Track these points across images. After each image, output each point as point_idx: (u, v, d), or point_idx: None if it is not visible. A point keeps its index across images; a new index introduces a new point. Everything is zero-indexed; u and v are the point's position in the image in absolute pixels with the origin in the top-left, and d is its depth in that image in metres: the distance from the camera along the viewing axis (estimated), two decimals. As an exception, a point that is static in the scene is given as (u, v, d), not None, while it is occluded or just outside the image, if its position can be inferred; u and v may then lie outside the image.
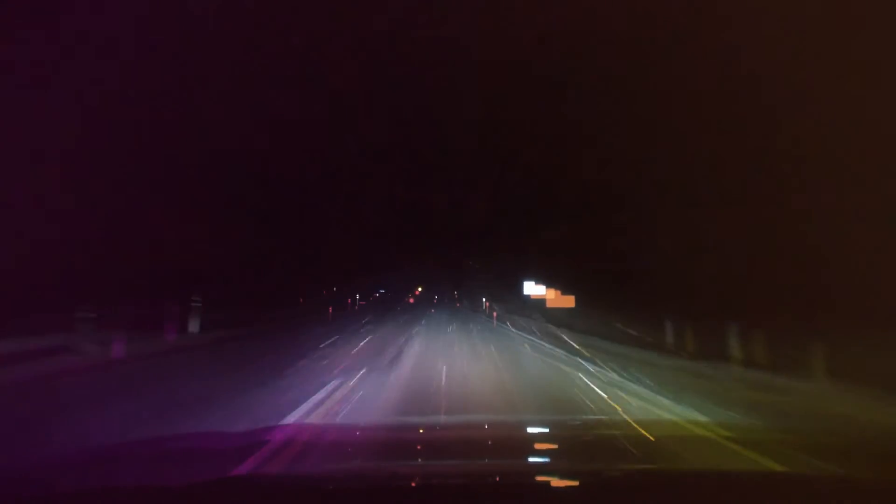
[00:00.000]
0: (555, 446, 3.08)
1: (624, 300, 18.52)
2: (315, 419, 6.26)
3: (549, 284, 27.25)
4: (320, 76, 23.02)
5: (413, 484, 2.10)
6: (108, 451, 3.04)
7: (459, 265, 68.76)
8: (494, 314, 31.85)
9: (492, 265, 50.62)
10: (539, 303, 28.24)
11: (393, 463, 2.58)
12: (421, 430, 3.64)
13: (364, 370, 9.99)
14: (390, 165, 39.73)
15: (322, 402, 7.18)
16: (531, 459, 2.78)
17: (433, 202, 54.13)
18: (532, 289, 30.46)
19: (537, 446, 3.15)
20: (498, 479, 2.19)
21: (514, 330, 21.60)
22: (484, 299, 44.97)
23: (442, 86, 24.71)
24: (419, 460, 2.74)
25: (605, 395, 7.93)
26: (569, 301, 24.32)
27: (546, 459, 2.80)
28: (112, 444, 3.78)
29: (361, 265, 66.80)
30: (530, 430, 3.70)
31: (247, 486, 2.01)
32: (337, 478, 2.22)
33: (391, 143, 33.62)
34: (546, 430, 3.61)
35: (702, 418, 5.66)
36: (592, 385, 8.89)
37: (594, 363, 11.65)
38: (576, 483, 2.09)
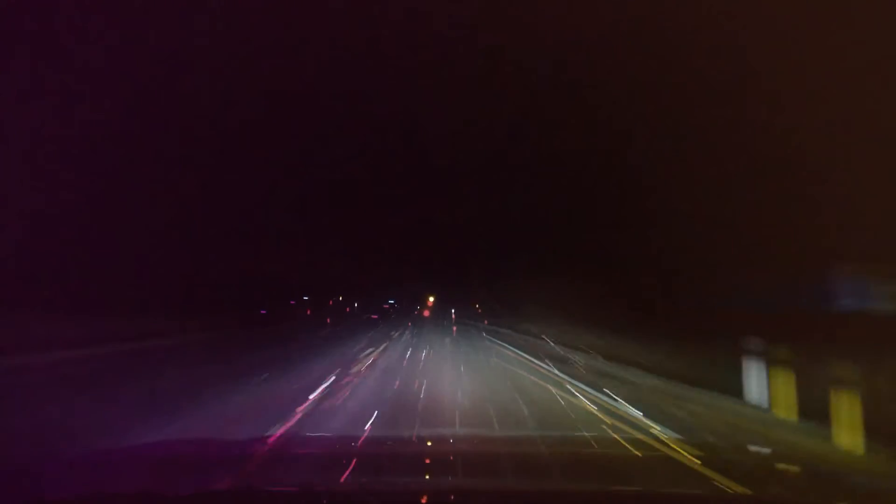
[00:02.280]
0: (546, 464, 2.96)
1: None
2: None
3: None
4: (329, 86, 22.55)
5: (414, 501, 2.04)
6: (105, 456, 3.06)
7: (498, 277, 42.56)
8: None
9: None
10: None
11: (391, 478, 2.52)
12: (429, 443, 3.58)
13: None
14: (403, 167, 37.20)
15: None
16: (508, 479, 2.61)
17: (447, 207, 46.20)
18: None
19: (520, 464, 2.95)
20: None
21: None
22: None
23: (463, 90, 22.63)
24: (422, 476, 2.64)
25: None
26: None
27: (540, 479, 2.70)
28: (109, 449, 3.86)
29: (363, 274, 64.29)
30: (514, 447, 3.55)
31: (241, 498, 1.99)
32: (334, 492, 2.15)
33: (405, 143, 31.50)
34: (539, 447, 3.50)
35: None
36: None
37: None
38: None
